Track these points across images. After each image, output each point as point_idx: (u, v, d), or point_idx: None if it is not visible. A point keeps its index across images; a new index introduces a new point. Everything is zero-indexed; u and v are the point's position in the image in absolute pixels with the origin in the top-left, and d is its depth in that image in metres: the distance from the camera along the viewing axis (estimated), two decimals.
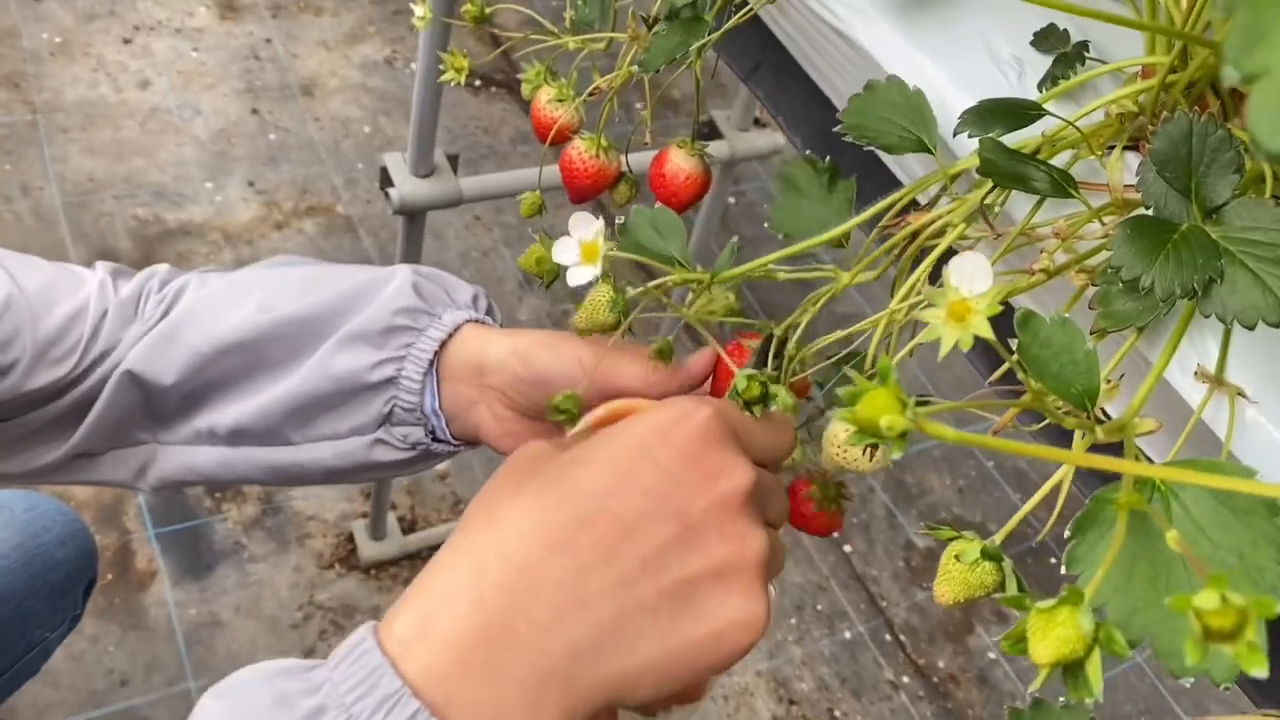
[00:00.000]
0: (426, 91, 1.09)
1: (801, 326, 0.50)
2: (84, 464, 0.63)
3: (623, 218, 0.53)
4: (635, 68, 0.56)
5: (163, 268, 0.64)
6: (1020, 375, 0.35)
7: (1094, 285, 0.42)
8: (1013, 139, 0.44)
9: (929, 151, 0.47)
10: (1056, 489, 0.42)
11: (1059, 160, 0.45)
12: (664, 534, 0.39)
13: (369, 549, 1.58)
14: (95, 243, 1.83)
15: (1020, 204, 0.46)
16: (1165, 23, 0.44)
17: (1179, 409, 0.42)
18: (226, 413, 0.60)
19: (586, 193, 0.60)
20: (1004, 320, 0.35)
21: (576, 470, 0.41)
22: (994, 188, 0.45)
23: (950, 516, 1.85)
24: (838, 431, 0.47)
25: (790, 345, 0.50)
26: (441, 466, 1.71)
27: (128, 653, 1.43)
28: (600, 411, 0.50)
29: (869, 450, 0.45)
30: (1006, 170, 0.42)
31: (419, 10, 0.63)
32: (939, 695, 1.64)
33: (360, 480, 0.76)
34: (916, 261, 0.47)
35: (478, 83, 2.32)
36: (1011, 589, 0.40)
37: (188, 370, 0.59)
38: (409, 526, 1.64)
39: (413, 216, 1.19)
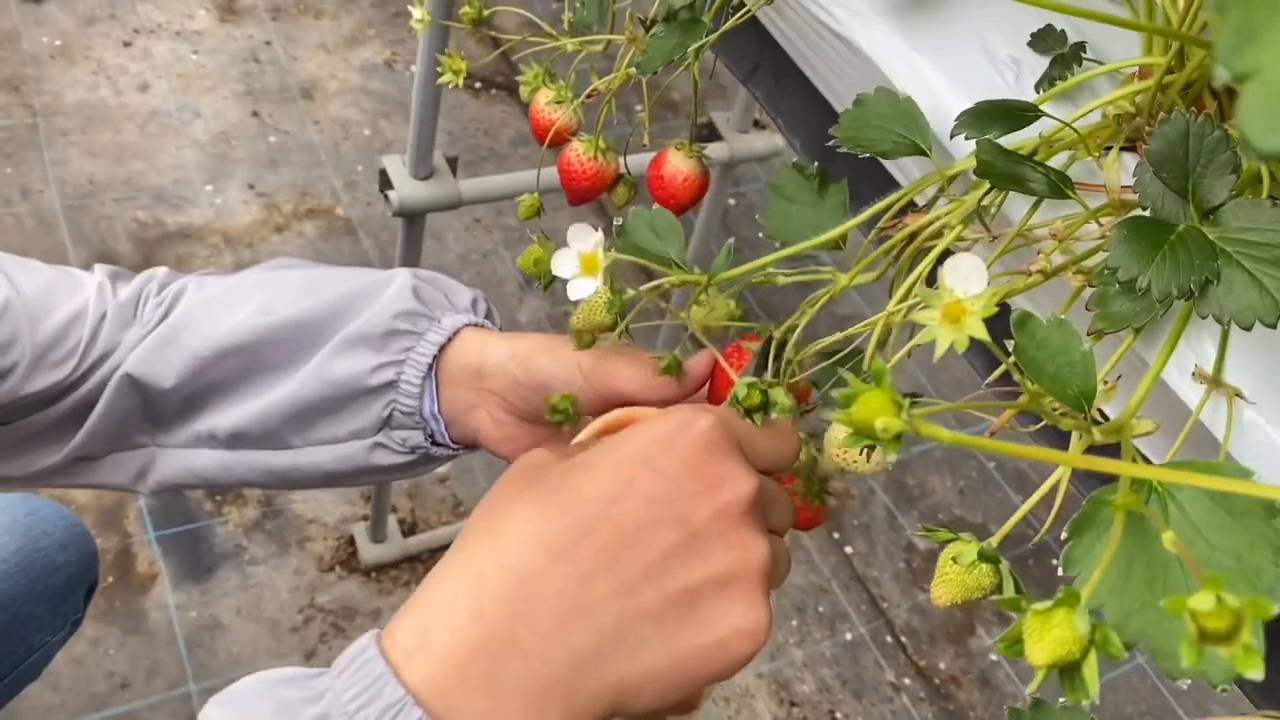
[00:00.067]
0: (426, 94, 1.09)
1: (801, 329, 0.50)
2: (83, 467, 0.63)
3: (621, 220, 0.53)
4: (633, 69, 0.56)
5: (161, 270, 0.64)
6: (1017, 377, 0.35)
7: (1091, 286, 0.42)
8: (1010, 140, 0.44)
9: (924, 154, 0.47)
10: (1055, 490, 0.42)
11: (1056, 161, 0.45)
12: (666, 542, 0.39)
13: (369, 552, 1.58)
14: (95, 246, 1.83)
15: (1017, 205, 0.46)
16: (1162, 24, 0.44)
17: (1177, 410, 0.42)
18: (225, 416, 0.60)
19: (585, 194, 0.60)
20: (1001, 321, 0.35)
21: (578, 479, 0.41)
22: (991, 189, 0.45)
23: (951, 518, 1.85)
24: (838, 432, 0.47)
25: (790, 348, 0.50)
26: (442, 469, 1.71)
27: (128, 656, 1.43)
28: (602, 421, 0.50)
29: (866, 452, 0.45)
30: (1003, 171, 0.42)
31: (416, 13, 0.63)
32: (940, 697, 1.64)
33: (359, 484, 0.76)
34: (914, 263, 0.47)
35: (477, 85, 2.32)
36: (1009, 591, 0.40)
37: (187, 373, 0.59)
38: (409, 529, 1.64)
39: (412, 219, 1.19)
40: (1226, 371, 0.40)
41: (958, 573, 0.39)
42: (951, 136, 0.45)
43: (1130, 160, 0.44)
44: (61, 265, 0.63)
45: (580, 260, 0.47)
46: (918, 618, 1.72)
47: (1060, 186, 0.42)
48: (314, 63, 2.27)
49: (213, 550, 1.56)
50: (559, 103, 0.60)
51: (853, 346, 0.50)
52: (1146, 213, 0.39)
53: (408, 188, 1.16)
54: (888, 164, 0.54)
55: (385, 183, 1.17)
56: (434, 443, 0.60)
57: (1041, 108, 0.46)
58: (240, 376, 0.60)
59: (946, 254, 0.45)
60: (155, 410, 0.61)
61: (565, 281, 0.48)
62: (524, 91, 0.61)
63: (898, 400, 0.26)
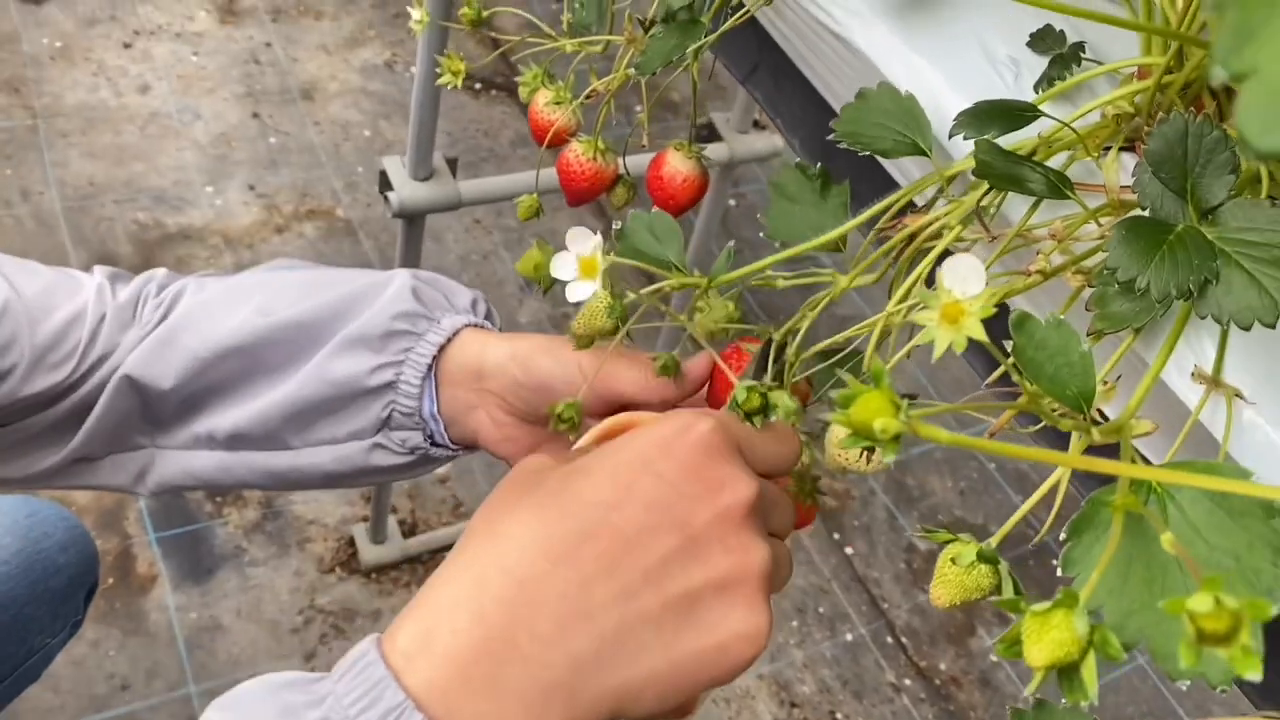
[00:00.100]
0: (425, 95, 1.09)
1: (801, 331, 0.50)
2: (83, 469, 0.63)
3: (620, 221, 0.53)
4: (632, 70, 0.56)
5: (160, 272, 0.64)
6: (1016, 377, 0.35)
7: (1090, 287, 0.42)
8: (1009, 140, 0.44)
9: (924, 154, 0.47)
10: (1055, 491, 0.42)
11: (1055, 161, 0.45)
12: (666, 546, 0.39)
13: (370, 553, 1.58)
14: (95, 247, 1.83)
15: (1016, 205, 0.46)
16: (1161, 24, 0.44)
17: (1176, 410, 0.42)
18: (225, 417, 0.60)
19: (584, 195, 0.60)
20: (1001, 322, 0.35)
21: (578, 483, 0.41)
22: (990, 189, 0.45)
23: (952, 519, 1.85)
24: (837, 432, 0.47)
25: (790, 350, 0.50)
26: (442, 470, 1.71)
27: (129, 657, 1.43)
28: (603, 426, 0.50)
29: (865, 453, 0.45)
30: (1002, 172, 0.42)
31: (416, 14, 0.63)
32: (941, 697, 1.64)
33: (359, 485, 0.76)
34: (914, 263, 0.47)
35: (477, 86, 2.32)
36: (1008, 591, 0.40)
37: (186, 374, 0.59)
38: (409, 530, 1.64)
39: (412, 220, 1.19)
40: (1226, 372, 0.40)
41: (956, 574, 0.39)
42: (950, 136, 0.45)
43: (1129, 160, 0.44)
44: (61, 267, 0.63)
45: (579, 263, 0.47)
46: (918, 618, 1.72)
47: (1059, 187, 0.42)
48: (314, 64, 2.27)
49: (213, 551, 1.56)
50: (558, 103, 0.60)
51: (852, 347, 0.50)
52: (1145, 213, 0.39)
53: (407, 189, 1.16)
54: (887, 163, 0.54)
55: (385, 184, 1.17)
56: (433, 443, 0.60)
57: (1040, 108, 0.45)
58: (239, 377, 0.60)
59: (946, 254, 0.45)
60: (154, 411, 0.61)
61: (565, 284, 0.48)
62: (523, 92, 0.61)
63: (896, 401, 0.26)
